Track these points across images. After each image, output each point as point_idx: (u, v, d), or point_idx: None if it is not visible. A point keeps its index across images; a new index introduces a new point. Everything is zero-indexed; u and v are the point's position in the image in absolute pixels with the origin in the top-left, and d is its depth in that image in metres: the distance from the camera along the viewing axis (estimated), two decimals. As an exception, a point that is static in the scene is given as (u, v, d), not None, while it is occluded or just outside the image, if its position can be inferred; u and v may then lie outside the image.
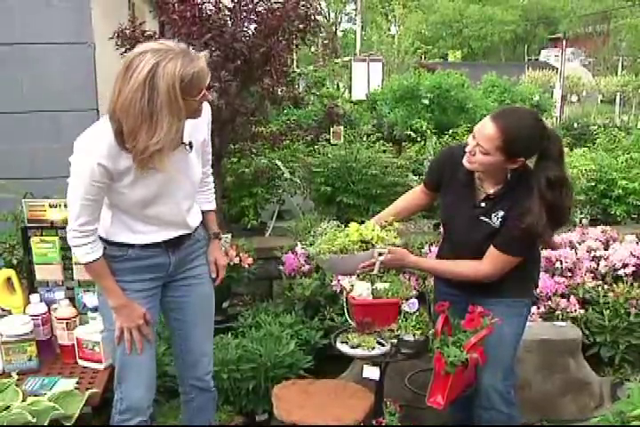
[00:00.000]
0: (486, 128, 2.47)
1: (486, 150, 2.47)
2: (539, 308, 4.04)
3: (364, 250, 2.74)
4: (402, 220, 3.06)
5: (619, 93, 21.10)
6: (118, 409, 2.58)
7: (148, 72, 2.06)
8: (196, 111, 2.30)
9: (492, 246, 2.62)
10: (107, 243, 2.45)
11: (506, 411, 2.76)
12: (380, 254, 2.91)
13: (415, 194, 3.09)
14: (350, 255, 2.72)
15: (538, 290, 3.87)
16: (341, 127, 6.42)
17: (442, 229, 3.09)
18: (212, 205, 2.83)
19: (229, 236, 4.02)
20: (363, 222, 5.44)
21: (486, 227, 2.64)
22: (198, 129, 2.49)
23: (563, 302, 4.05)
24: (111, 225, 2.46)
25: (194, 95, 2.17)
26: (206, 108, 2.49)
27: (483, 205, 2.67)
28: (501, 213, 2.61)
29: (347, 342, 2.75)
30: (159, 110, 2.10)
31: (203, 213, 2.74)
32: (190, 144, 2.43)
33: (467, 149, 2.56)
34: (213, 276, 2.78)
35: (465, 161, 2.59)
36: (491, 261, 2.63)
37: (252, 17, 4.49)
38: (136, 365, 2.55)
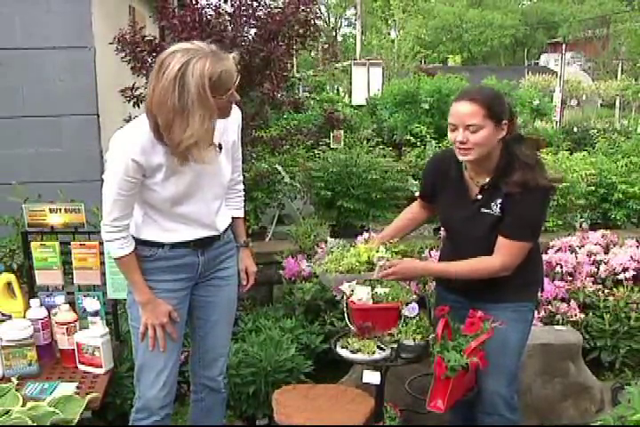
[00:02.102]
0: (462, 107, 2.52)
1: (477, 125, 2.49)
2: (539, 312, 4.03)
3: (369, 271, 2.78)
4: (405, 235, 3.09)
5: (618, 97, 21.11)
6: (135, 407, 2.66)
7: (178, 70, 2.15)
8: (226, 110, 2.37)
9: (501, 238, 2.61)
10: (137, 242, 2.51)
11: (509, 416, 2.76)
12: (380, 259, 2.92)
13: (413, 209, 3.11)
14: (357, 275, 2.77)
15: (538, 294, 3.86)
16: (341, 132, 6.42)
17: (442, 233, 3.08)
18: (241, 213, 2.89)
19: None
20: (363, 227, 5.45)
21: (488, 217, 2.65)
22: (228, 131, 2.57)
23: (563, 307, 4.05)
24: (142, 222, 2.52)
25: (221, 93, 2.25)
26: (236, 112, 2.57)
27: (479, 197, 2.68)
28: (499, 200, 2.62)
29: (347, 347, 2.75)
30: (190, 105, 2.18)
31: (232, 219, 2.79)
32: (220, 146, 2.50)
33: (457, 140, 2.54)
34: (244, 283, 2.87)
35: (459, 155, 2.59)
36: (504, 252, 2.62)
37: (251, 22, 4.50)
38: (155, 364, 2.59)
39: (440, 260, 3.07)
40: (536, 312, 3.96)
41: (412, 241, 4.61)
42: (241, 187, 2.88)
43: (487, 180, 2.65)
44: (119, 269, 2.58)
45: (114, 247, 2.46)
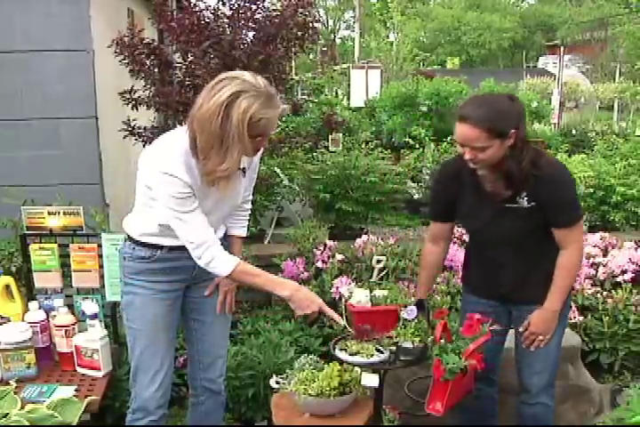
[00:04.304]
0: (465, 132, 2.49)
1: (483, 146, 2.48)
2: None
3: (341, 393, 2.79)
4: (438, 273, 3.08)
5: (617, 100, 21.11)
6: (132, 408, 2.67)
7: (227, 97, 2.17)
8: (253, 151, 2.35)
9: (559, 231, 2.63)
10: (136, 244, 2.51)
11: (550, 403, 2.89)
12: (379, 262, 2.93)
13: (428, 251, 3.01)
14: (327, 400, 2.76)
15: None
16: (340, 134, 6.44)
17: (467, 239, 3.04)
18: (243, 232, 2.84)
19: None
20: (362, 229, 5.43)
21: (516, 211, 2.63)
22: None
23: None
24: (144, 227, 2.51)
25: (253, 136, 2.24)
26: None
27: (500, 193, 2.67)
28: (524, 193, 2.61)
29: (345, 350, 2.74)
30: (231, 139, 2.19)
31: (231, 236, 2.78)
32: (244, 169, 2.52)
33: (465, 157, 2.55)
34: (219, 306, 2.75)
35: (472, 165, 2.59)
36: (572, 240, 2.65)
37: (250, 24, 4.50)
38: (151, 365, 2.61)
39: (467, 264, 3.04)
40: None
41: (411, 243, 4.62)
42: (249, 206, 2.84)
43: (504, 177, 2.62)
44: (242, 283, 2.55)
45: (217, 268, 2.39)
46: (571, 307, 3.09)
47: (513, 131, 2.49)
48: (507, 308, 2.86)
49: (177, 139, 2.35)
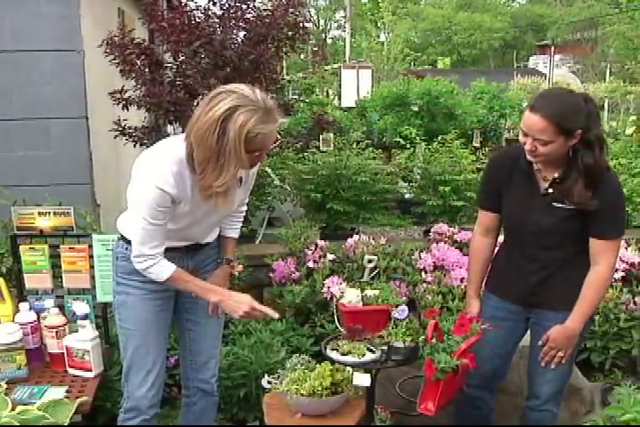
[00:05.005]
0: (534, 122, 2.46)
1: (547, 141, 2.46)
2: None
3: (333, 393, 2.80)
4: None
5: (607, 100, 21.18)
6: (124, 408, 2.67)
7: (224, 112, 2.15)
8: (251, 165, 2.34)
9: (598, 242, 2.60)
10: (129, 244, 2.50)
11: (556, 411, 2.89)
12: (370, 262, 2.93)
13: (478, 245, 2.97)
14: (319, 400, 2.77)
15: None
16: (331, 134, 6.42)
17: (503, 236, 2.98)
18: (236, 234, 2.86)
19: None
20: (353, 229, 5.43)
21: (561, 211, 2.62)
22: None
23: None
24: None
25: (250, 151, 2.22)
26: None
27: (550, 191, 2.64)
28: (577, 195, 2.56)
29: (337, 350, 2.75)
30: (227, 154, 2.18)
31: (224, 237, 2.80)
32: (241, 179, 2.52)
33: (526, 148, 2.53)
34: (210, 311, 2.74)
35: (529, 156, 2.57)
36: (609, 255, 2.61)
37: (241, 24, 4.49)
38: (144, 365, 2.62)
39: (496, 264, 2.98)
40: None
41: (402, 243, 4.62)
42: (244, 208, 2.85)
43: (558, 173, 2.61)
44: (177, 287, 2.57)
45: (154, 274, 2.45)
46: (594, 321, 3.04)
47: (579, 131, 2.47)
48: (525, 314, 2.82)
49: (173, 148, 2.34)
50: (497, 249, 3.01)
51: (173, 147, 2.34)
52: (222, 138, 2.15)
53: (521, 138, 2.57)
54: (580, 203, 2.54)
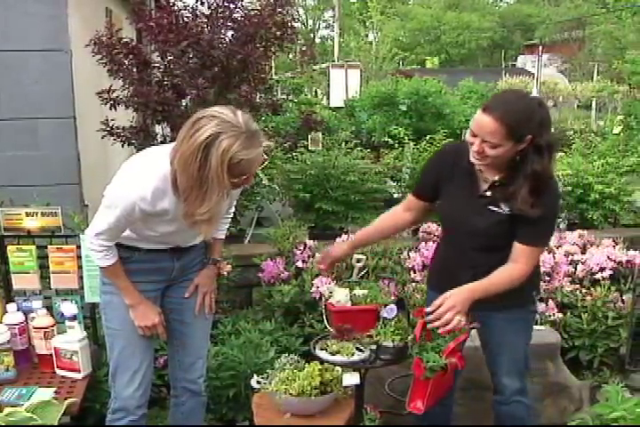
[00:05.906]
0: (485, 124, 2.42)
1: (495, 144, 2.42)
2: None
3: (322, 393, 2.81)
4: (378, 242, 3.00)
5: (594, 99, 21.29)
6: (112, 408, 2.67)
7: (206, 138, 2.11)
8: (235, 187, 2.34)
9: (520, 246, 2.58)
10: (115, 245, 2.50)
11: (524, 400, 2.87)
12: (359, 261, 2.93)
13: (396, 214, 2.97)
14: (308, 400, 2.78)
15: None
16: (319, 134, 6.43)
17: (441, 229, 2.98)
18: (223, 235, 2.87)
19: None
20: (342, 229, 5.44)
21: (495, 215, 2.60)
22: None
23: (541, 307, 4.06)
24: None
25: (235, 176, 2.21)
26: None
27: (488, 193, 2.62)
28: (511, 201, 2.55)
29: (326, 349, 2.75)
30: (210, 182, 2.15)
31: (211, 238, 2.77)
32: (228, 191, 2.47)
33: (473, 149, 2.49)
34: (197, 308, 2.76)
35: (474, 159, 2.53)
36: (526, 261, 2.59)
37: (228, 24, 4.49)
38: (131, 365, 2.62)
39: (434, 259, 3.01)
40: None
41: (391, 243, 4.62)
42: (232, 210, 2.84)
43: (498, 177, 2.59)
44: (105, 276, 2.59)
45: (98, 257, 2.48)
46: (535, 312, 3.04)
47: (530, 136, 2.44)
48: (472, 313, 2.70)
49: (163, 163, 2.30)
50: (434, 246, 3.05)
51: (163, 161, 2.30)
52: (205, 165, 2.12)
53: (469, 138, 2.52)
54: (521, 209, 2.50)
